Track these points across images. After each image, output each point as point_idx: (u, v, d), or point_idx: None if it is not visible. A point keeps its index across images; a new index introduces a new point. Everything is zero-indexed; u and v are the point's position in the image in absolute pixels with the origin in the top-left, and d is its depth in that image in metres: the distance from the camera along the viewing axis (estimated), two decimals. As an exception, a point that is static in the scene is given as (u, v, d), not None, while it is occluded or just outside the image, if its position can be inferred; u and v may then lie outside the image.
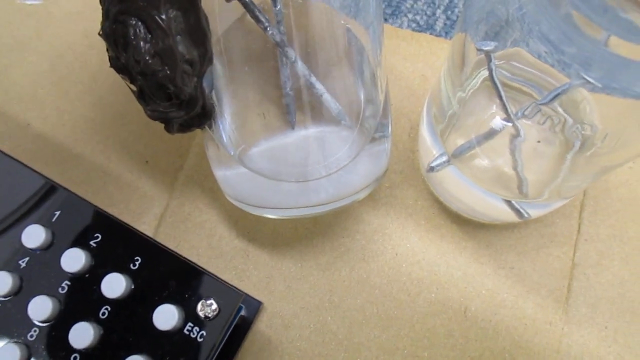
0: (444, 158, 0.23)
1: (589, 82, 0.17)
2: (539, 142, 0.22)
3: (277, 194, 0.21)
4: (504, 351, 0.24)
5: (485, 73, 0.20)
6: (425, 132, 0.24)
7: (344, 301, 0.25)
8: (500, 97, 0.19)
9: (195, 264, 0.20)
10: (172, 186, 0.27)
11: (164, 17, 0.16)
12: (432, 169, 0.24)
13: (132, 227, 0.21)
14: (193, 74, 0.18)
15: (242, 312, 0.22)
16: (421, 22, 0.30)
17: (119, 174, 0.27)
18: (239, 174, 0.21)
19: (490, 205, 0.24)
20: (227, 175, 0.22)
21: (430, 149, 0.24)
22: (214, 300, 0.19)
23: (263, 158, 0.21)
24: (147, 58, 0.17)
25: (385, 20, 0.30)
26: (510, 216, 0.24)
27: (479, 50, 0.18)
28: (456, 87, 0.20)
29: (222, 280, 0.20)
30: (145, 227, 0.26)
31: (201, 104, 0.19)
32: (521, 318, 0.24)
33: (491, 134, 0.21)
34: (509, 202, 0.24)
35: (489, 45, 0.18)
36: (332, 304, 0.25)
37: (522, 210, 0.24)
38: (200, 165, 0.27)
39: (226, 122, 0.21)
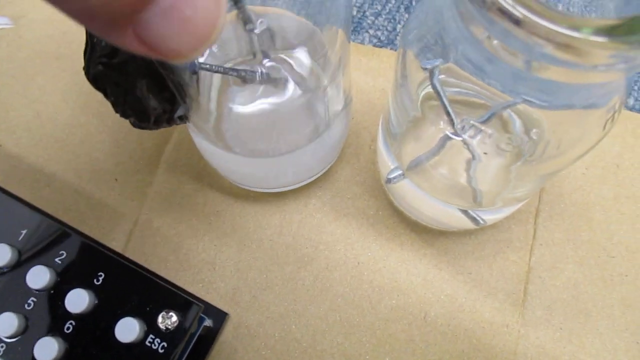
0: (399, 171, 0.24)
1: (527, 100, 0.18)
2: (485, 153, 0.23)
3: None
4: (463, 354, 0.25)
5: (428, 90, 0.21)
6: (381, 146, 0.25)
7: (308, 310, 0.25)
8: (447, 114, 0.20)
9: (156, 278, 0.21)
10: (141, 203, 0.27)
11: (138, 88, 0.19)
12: (389, 180, 0.25)
13: (97, 243, 0.22)
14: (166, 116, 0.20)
15: (207, 323, 0.23)
16: (382, 38, 0.31)
17: (90, 193, 0.28)
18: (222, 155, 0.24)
19: (447, 214, 0.25)
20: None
21: (386, 162, 0.25)
22: (174, 312, 0.20)
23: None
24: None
25: (354, 30, 0.31)
26: (467, 223, 0.25)
27: (424, 69, 0.19)
28: (400, 104, 0.21)
29: (182, 292, 0.21)
30: (115, 243, 0.27)
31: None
32: (479, 322, 0.25)
33: (439, 148, 0.22)
34: (464, 211, 0.25)
35: (433, 63, 0.19)
36: (296, 312, 0.25)
37: (477, 218, 0.25)
38: (168, 181, 0.28)
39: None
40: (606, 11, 0.16)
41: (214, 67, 0.21)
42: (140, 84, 0.20)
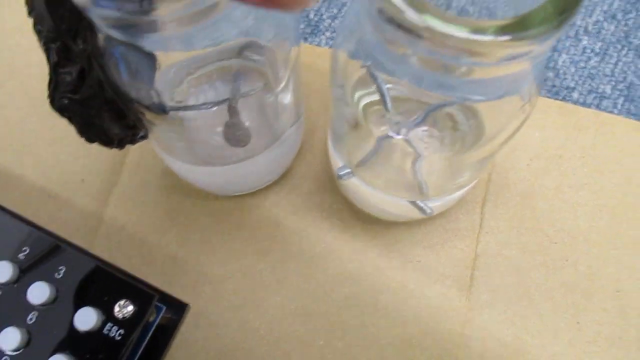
0: (348, 169, 0.26)
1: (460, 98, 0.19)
2: (427, 148, 0.24)
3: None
4: (412, 337, 0.26)
5: (363, 91, 0.22)
6: (330, 145, 0.26)
7: (265, 300, 0.27)
8: (388, 110, 0.22)
9: (115, 271, 0.22)
10: (106, 202, 0.29)
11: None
12: (339, 177, 0.26)
13: (60, 240, 0.23)
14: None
15: (165, 314, 0.24)
16: (338, 40, 0.32)
17: (58, 193, 0.29)
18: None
19: (396, 206, 0.26)
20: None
21: (335, 160, 0.26)
22: (130, 301, 0.21)
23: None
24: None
25: (305, 39, 0.33)
26: (415, 213, 0.27)
27: (363, 67, 0.21)
28: (338, 107, 0.23)
29: (137, 283, 0.22)
30: (82, 240, 0.28)
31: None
32: (427, 307, 0.27)
33: (380, 148, 0.24)
34: (412, 202, 0.26)
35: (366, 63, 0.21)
36: (254, 302, 0.27)
37: (425, 207, 0.26)
38: (133, 180, 0.29)
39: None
40: (491, 12, 0.18)
41: (181, 107, 0.22)
42: (103, 116, 0.22)
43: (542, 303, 0.26)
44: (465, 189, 0.26)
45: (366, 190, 0.26)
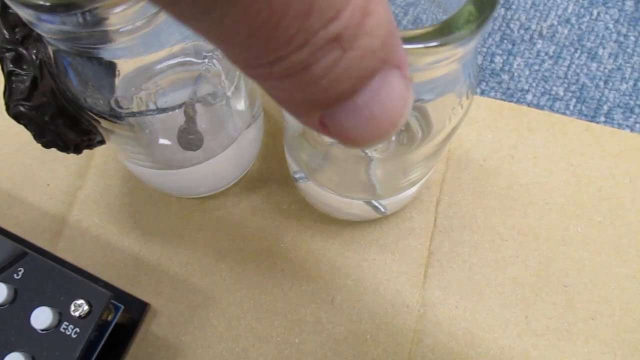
0: (302, 173, 0.26)
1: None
2: (377, 150, 0.25)
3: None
4: (366, 333, 0.27)
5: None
6: (285, 150, 0.27)
7: (224, 298, 0.28)
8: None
9: (71, 271, 0.23)
10: (71, 205, 0.29)
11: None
12: (295, 180, 0.27)
13: (22, 242, 0.24)
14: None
15: (125, 313, 0.25)
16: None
17: (23, 197, 0.30)
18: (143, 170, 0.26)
19: (351, 207, 0.27)
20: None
21: (291, 164, 0.27)
22: (84, 300, 0.22)
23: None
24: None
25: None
26: (371, 213, 0.28)
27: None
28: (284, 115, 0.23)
29: (92, 283, 0.23)
30: (47, 243, 0.29)
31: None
32: (382, 303, 0.27)
33: (330, 154, 0.24)
34: (367, 202, 0.27)
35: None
36: (214, 301, 0.27)
37: (379, 206, 0.27)
38: (97, 184, 0.30)
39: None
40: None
41: (136, 113, 0.23)
42: (57, 122, 0.22)
43: (492, 298, 0.27)
44: (418, 185, 0.27)
45: (321, 193, 0.27)
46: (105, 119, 0.22)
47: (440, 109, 0.22)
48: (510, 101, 0.32)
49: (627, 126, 0.32)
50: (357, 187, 0.26)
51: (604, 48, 0.34)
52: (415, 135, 0.24)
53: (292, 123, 0.24)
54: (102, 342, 0.24)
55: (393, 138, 0.26)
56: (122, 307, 0.25)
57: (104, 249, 0.28)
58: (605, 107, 0.32)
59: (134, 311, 0.26)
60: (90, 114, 0.22)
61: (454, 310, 0.27)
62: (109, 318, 0.24)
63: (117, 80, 0.22)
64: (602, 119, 0.32)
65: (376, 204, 0.27)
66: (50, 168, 0.30)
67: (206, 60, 0.23)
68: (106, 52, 0.19)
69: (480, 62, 0.34)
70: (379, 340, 0.27)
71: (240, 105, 0.25)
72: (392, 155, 0.26)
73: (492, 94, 0.33)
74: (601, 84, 0.33)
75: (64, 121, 0.22)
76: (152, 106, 0.24)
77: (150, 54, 0.20)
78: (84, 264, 0.28)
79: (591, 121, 0.32)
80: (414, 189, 0.27)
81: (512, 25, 0.35)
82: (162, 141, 0.25)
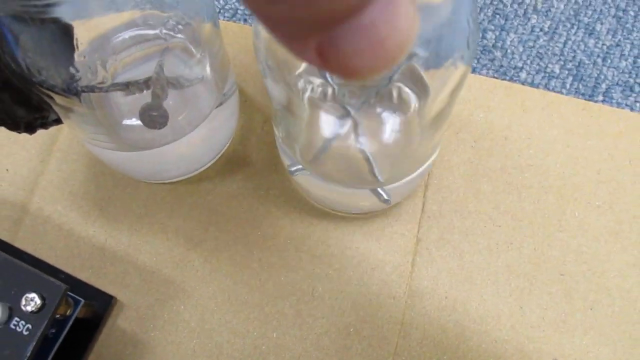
0: (299, 165, 0.24)
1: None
2: (379, 127, 0.23)
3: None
4: (349, 326, 0.25)
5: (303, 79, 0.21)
6: (278, 141, 0.25)
7: (197, 290, 0.26)
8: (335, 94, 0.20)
9: (23, 262, 0.21)
10: (32, 192, 0.27)
11: None
12: (291, 172, 0.25)
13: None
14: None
15: (89, 307, 0.23)
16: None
17: (-20, 183, 0.27)
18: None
19: (355, 196, 0.25)
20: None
21: (284, 157, 0.25)
22: (36, 294, 0.20)
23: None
24: None
25: (245, 20, 0.31)
26: (374, 205, 0.26)
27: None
28: (276, 102, 0.21)
29: (45, 275, 0.21)
30: (5, 232, 0.26)
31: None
32: (366, 294, 0.26)
33: (331, 140, 0.22)
34: (373, 190, 0.25)
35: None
36: (186, 293, 0.26)
37: (382, 193, 0.25)
38: (60, 169, 0.28)
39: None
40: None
41: (95, 88, 0.21)
42: (4, 96, 0.20)
43: (484, 287, 0.26)
44: (422, 169, 0.25)
45: (320, 184, 0.24)
46: (58, 94, 0.20)
47: (435, 73, 0.20)
48: (504, 79, 0.30)
49: (627, 105, 0.30)
50: (358, 175, 0.24)
51: (601, 23, 0.32)
52: (408, 99, 0.22)
53: (274, 94, 0.21)
54: (61, 339, 0.22)
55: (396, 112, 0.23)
56: (83, 300, 0.23)
57: (67, 238, 0.26)
58: (604, 86, 0.30)
59: (99, 305, 0.24)
60: (41, 88, 0.20)
61: (443, 301, 0.26)
62: (68, 313, 0.22)
63: (75, 55, 0.20)
64: (600, 97, 0.30)
65: (380, 191, 0.25)
66: (9, 152, 0.28)
67: (163, 30, 0.21)
68: (67, 12, 0.17)
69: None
70: (363, 334, 0.25)
71: (209, 81, 0.23)
72: (396, 133, 0.24)
73: (484, 71, 0.31)
74: (599, 61, 0.31)
75: (10, 96, 0.20)
76: (111, 81, 0.22)
77: (101, 16, 0.18)
78: (45, 255, 0.26)
79: (589, 100, 0.30)
80: (419, 171, 0.25)
81: (505, -1, 0.33)
82: (125, 120, 0.23)
